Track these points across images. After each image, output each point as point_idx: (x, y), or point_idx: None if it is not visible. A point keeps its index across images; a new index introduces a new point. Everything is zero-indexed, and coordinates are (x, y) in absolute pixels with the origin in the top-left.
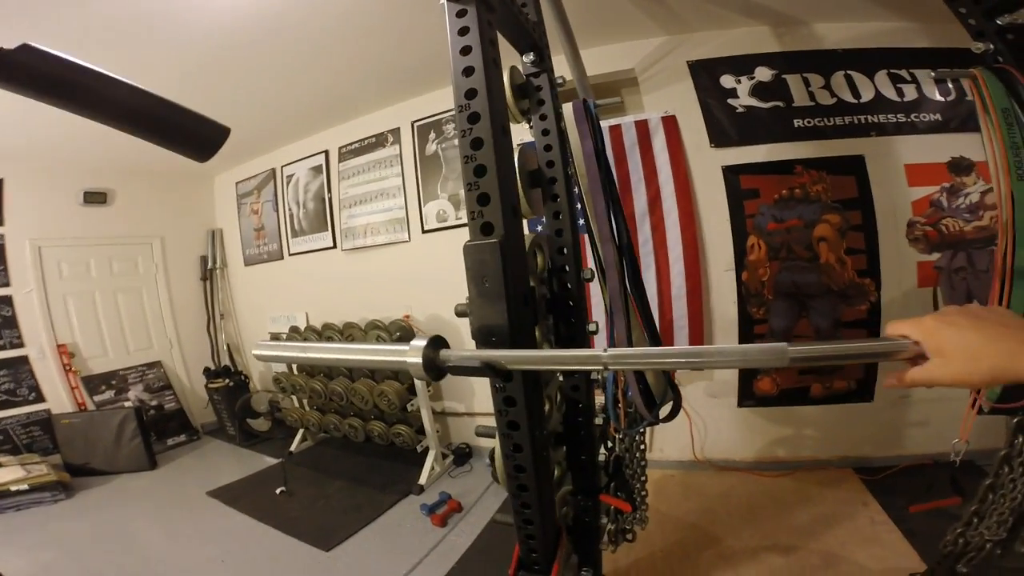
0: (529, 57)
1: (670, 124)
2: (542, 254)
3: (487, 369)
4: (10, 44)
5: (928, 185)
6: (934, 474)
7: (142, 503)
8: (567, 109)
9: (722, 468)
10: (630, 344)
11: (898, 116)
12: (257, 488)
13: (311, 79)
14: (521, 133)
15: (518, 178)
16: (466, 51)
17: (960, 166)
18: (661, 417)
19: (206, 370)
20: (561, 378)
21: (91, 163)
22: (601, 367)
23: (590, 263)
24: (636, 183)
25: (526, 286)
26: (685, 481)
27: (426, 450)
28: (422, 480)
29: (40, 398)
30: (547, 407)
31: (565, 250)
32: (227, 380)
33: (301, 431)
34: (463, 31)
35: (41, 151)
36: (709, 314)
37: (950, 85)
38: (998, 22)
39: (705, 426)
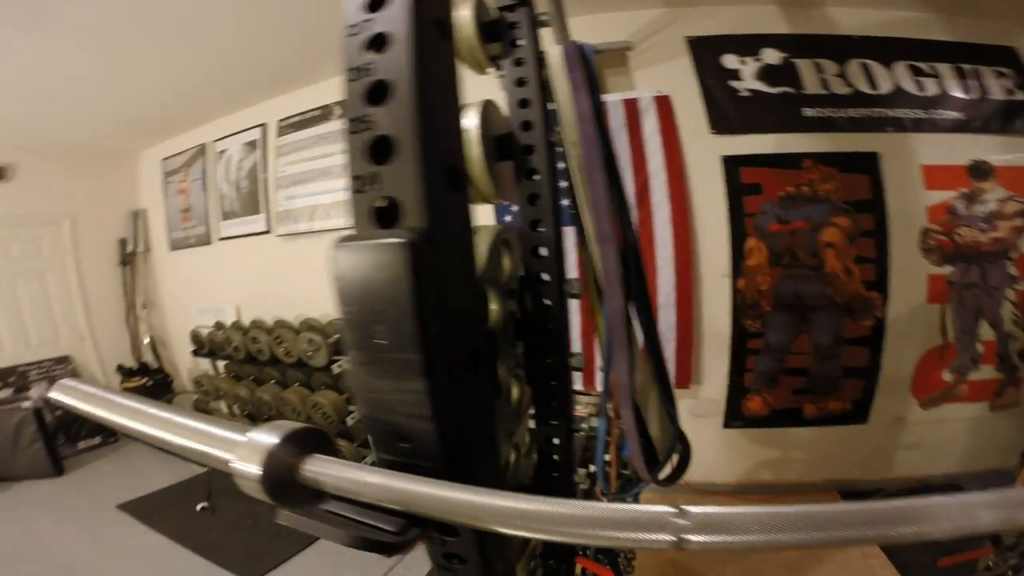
0: None
1: (664, 105)
2: (510, 255)
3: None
4: None
5: (945, 189)
6: None
7: (41, 515)
8: (554, 54)
9: (702, 492)
10: (632, 389)
11: (917, 112)
12: (176, 502)
13: (248, 45)
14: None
15: (480, 144)
16: None
17: (980, 170)
18: (662, 477)
19: (120, 367)
20: (533, 424)
21: None
22: (672, 543)
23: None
24: (622, 170)
25: (478, 334)
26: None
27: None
28: None
29: None
30: (512, 456)
31: (544, 251)
32: (145, 379)
33: None
34: None
35: None
36: (699, 326)
37: (975, 82)
38: None
39: None
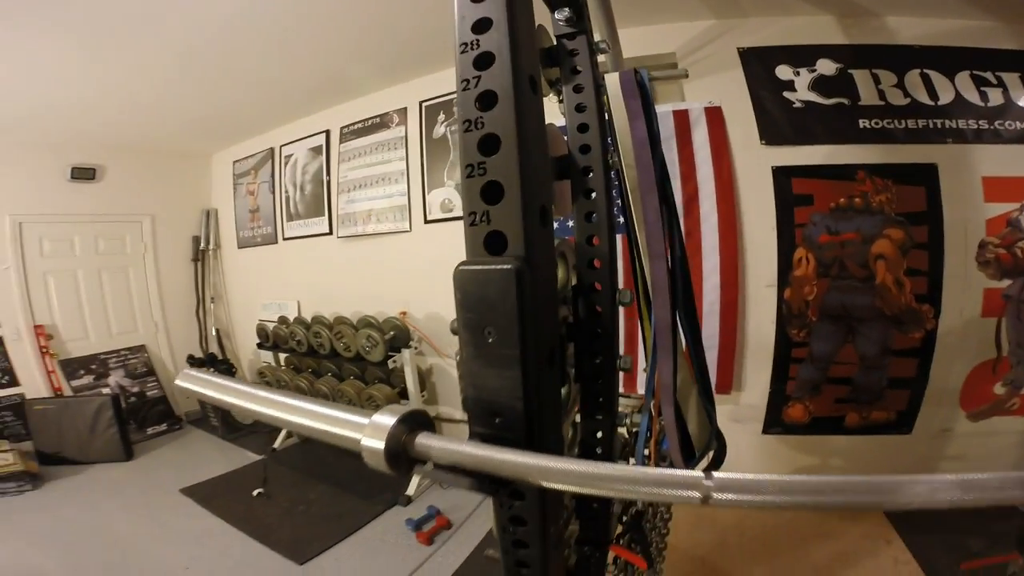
0: (563, 14)
1: (715, 116)
2: (565, 266)
3: (490, 486)
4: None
5: (1007, 201)
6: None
7: (110, 498)
8: (611, 80)
9: None
10: (674, 389)
11: (980, 122)
12: (234, 487)
13: (312, 56)
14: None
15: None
16: None
17: None
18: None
19: (190, 357)
20: (579, 419)
21: (81, 138)
22: (699, 501)
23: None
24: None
25: (555, 337)
26: (697, 510)
27: None
28: (410, 491)
29: (14, 382)
30: None
31: (598, 263)
32: (211, 369)
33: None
34: None
35: (27, 124)
36: (742, 334)
37: None
38: None
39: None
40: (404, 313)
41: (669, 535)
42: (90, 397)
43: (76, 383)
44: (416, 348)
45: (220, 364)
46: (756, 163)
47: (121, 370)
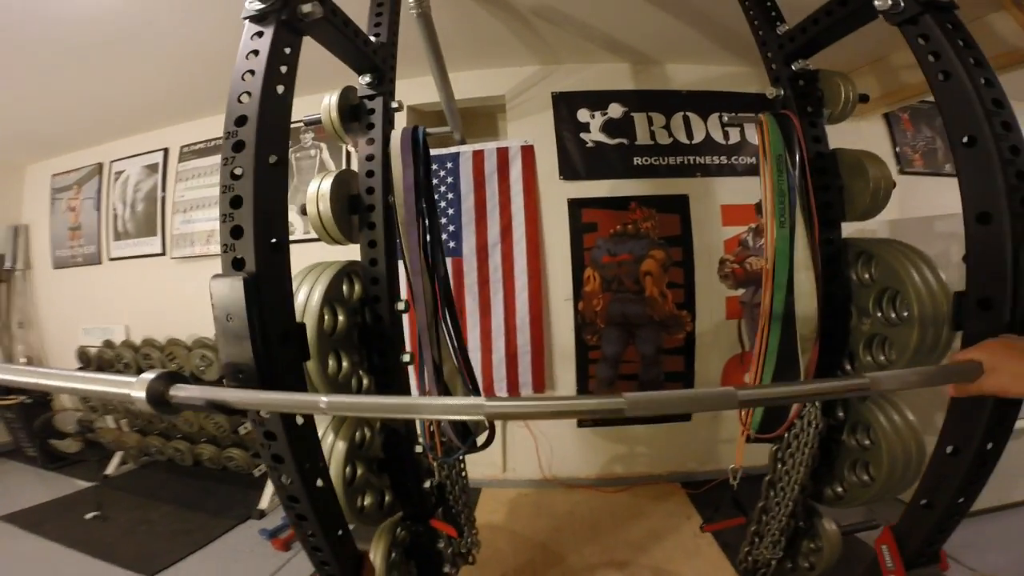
0: (366, 79)
1: (528, 154)
2: (359, 282)
3: (213, 407)
4: None
5: (738, 225)
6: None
7: None
8: (395, 135)
9: (569, 485)
10: (439, 377)
11: (721, 158)
12: (65, 512)
13: (150, 70)
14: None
15: (332, 202)
16: (249, 75)
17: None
18: (479, 444)
19: None
20: None
21: None
22: (320, 411)
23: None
24: (491, 210)
25: (287, 324)
26: (537, 500)
27: (265, 473)
28: (263, 504)
29: None
30: (368, 435)
31: (378, 280)
32: (23, 397)
33: (119, 453)
34: (253, 53)
35: None
36: (550, 341)
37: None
38: (792, 67)
39: (551, 446)
40: None
41: (473, 506)
42: None
43: None
44: None
45: (33, 392)
46: (556, 195)
47: None
